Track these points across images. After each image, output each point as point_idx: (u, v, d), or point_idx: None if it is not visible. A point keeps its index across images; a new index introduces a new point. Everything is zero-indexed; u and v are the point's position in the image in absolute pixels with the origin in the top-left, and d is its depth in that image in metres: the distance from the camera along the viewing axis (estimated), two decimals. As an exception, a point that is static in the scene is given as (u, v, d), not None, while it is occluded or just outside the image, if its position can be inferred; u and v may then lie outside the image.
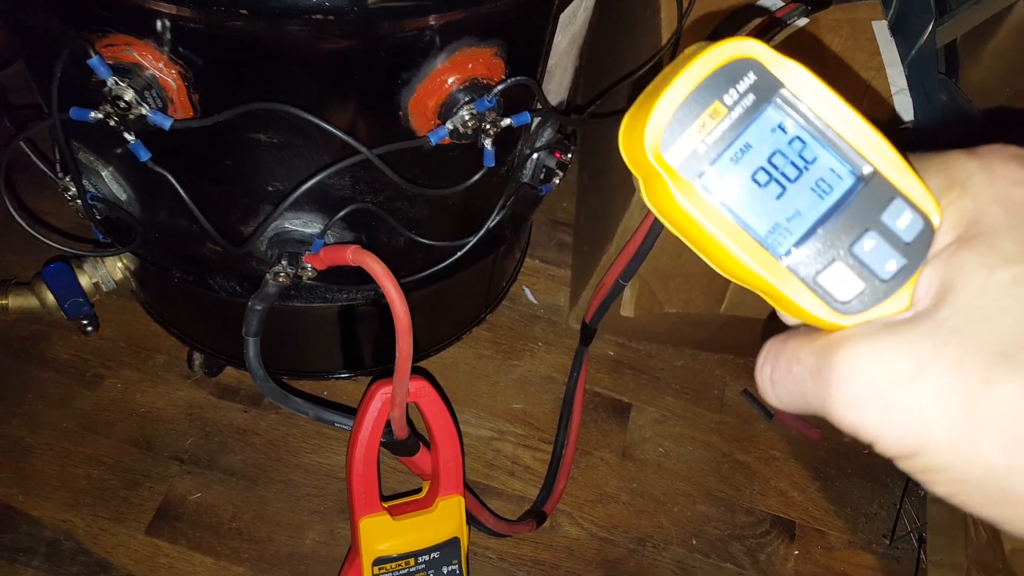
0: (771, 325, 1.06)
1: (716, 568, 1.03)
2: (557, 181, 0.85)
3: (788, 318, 0.32)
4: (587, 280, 1.13)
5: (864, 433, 0.27)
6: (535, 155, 0.81)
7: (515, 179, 0.81)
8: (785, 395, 0.30)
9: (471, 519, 0.90)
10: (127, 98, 0.55)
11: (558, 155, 0.80)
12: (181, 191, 0.64)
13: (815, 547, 1.06)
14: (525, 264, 1.24)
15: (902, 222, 0.28)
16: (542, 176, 0.83)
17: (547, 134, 0.81)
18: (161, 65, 0.56)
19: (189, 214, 0.69)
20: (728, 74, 0.28)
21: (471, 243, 0.75)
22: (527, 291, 1.24)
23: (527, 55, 0.65)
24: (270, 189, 0.66)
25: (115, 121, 0.57)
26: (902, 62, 0.87)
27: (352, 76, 0.58)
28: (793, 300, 0.29)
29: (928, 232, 0.28)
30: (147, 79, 0.56)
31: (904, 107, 0.78)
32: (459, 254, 0.76)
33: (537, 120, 0.78)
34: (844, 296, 0.28)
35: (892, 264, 0.28)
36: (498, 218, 0.76)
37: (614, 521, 1.05)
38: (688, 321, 1.08)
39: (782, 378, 0.30)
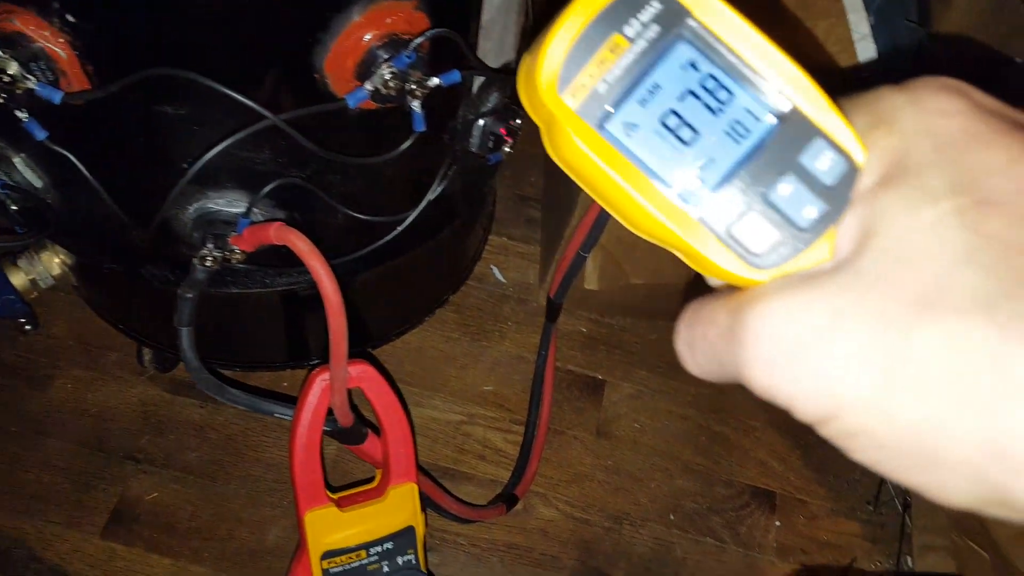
0: (693, 289, 1.02)
1: (695, 543, 1.00)
2: (508, 149, 0.80)
3: (710, 279, 0.29)
4: (555, 255, 1.09)
5: (779, 396, 0.24)
6: (481, 121, 0.76)
7: (461, 148, 0.76)
8: (703, 361, 0.27)
9: (435, 507, 0.87)
10: (11, 71, 0.51)
11: (504, 131, 0.76)
12: (84, 170, 0.60)
13: (797, 517, 1.03)
14: (492, 242, 1.20)
15: (822, 164, 0.25)
16: (491, 144, 0.79)
17: (493, 98, 0.77)
18: (47, 34, 0.52)
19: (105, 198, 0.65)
20: (628, 2, 0.25)
21: (411, 217, 0.71)
22: (495, 270, 1.20)
23: (454, 9, 0.61)
24: (186, 167, 0.62)
25: (2, 97, 0.52)
26: (867, 8, 0.83)
27: (258, 35, 0.54)
28: (707, 256, 0.26)
29: (851, 174, 0.25)
30: (34, 50, 0.52)
31: (867, 54, 0.74)
32: (399, 229, 0.72)
33: (479, 82, 0.74)
34: (759, 248, 0.26)
35: (811, 210, 0.25)
36: (440, 189, 0.72)
37: (589, 500, 1.02)
38: (659, 292, 1.04)
39: (698, 342, 0.27)
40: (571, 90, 0.25)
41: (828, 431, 0.24)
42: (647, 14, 0.25)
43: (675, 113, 0.26)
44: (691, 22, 0.25)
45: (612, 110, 0.26)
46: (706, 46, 0.26)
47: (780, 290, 0.24)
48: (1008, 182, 0.22)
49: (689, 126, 0.26)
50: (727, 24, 0.26)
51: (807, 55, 0.75)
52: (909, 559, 1.00)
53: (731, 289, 0.27)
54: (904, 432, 0.22)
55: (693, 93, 0.26)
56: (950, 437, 0.22)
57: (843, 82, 0.75)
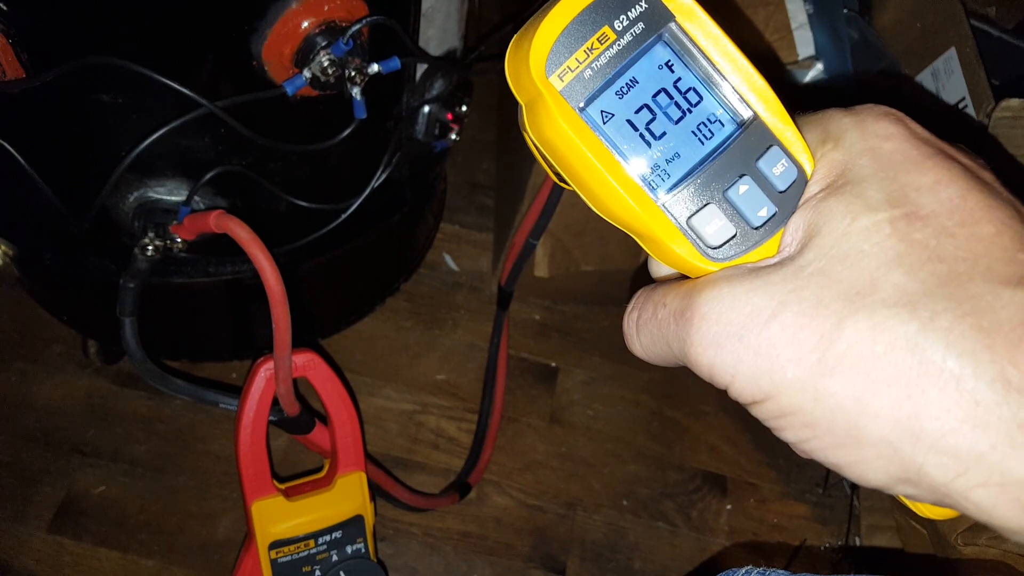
0: (639, 277, 1.03)
1: (648, 528, 1.01)
2: (454, 137, 0.80)
3: (657, 269, 0.32)
4: (506, 243, 1.09)
5: (720, 375, 0.27)
6: (426, 108, 0.76)
7: (406, 135, 0.76)
8: (648, 340, 0.30)
9: (387, 496, 0.87)
10: (-63, 58, 0.50)
11: (450, 115, 0.76)
12: (21, 160, 0.58)
13: (747, 500, 1.05)
14: (444, 230, 1.20)
15: (777, 169, 0.28)
16: (436, 131, 0.79)
17: (438, 85, 0.77)
18: (-24, 21, 0.51)
19: (49, 189, 0.63)
20: None
21: (355, 205, 0.71)
22: (447, 258, 1.20)
23: (393, -4, 0.61)
24: (124, 155, 0.61)
25: (-70, 85, 0.51)
26: (807, -2, 0.85)
27: (195, 22, 0.54)
28: (666, 242, 0.28)
29: (801, 181, 0.28)
30: (-37, 37, 0.51)
31: (804, 42, 0.76)
32: (343, 216, 0.71)
33: (422, 70, 0.74)
34: (715, 241, 0.28)
35: (764, 211, 0.28)
36: (384, 176, 0.72)
37: (543, 487, 1.03)
38: (609, 279, 1.05)
39: (647, 322, 0.29)
40: (559, 73, 0.27)
41: (762, 411, 0.26)
42: (635, 11, 0.27)
43: (648, 108, 0.28)
44: (673, 25, 0.28)
45: (594, 96, 0.28)
46: (683, 50, 0.28)
47: (729, 278, 0.27)
48: (934, 200, 0.25)
49: (660, 121, 0.28)
50: (705, 32, 0.28)
51: (746, 42, 0.76)
52: (858, 539, 1.02)
53: (680, 278, 0.30)
54: (832, 412, 0.24)
55: (666, 92, 0.28)
56: (872, 416, 0.24)
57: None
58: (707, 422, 1.09)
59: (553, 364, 1.13)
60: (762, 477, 1.06)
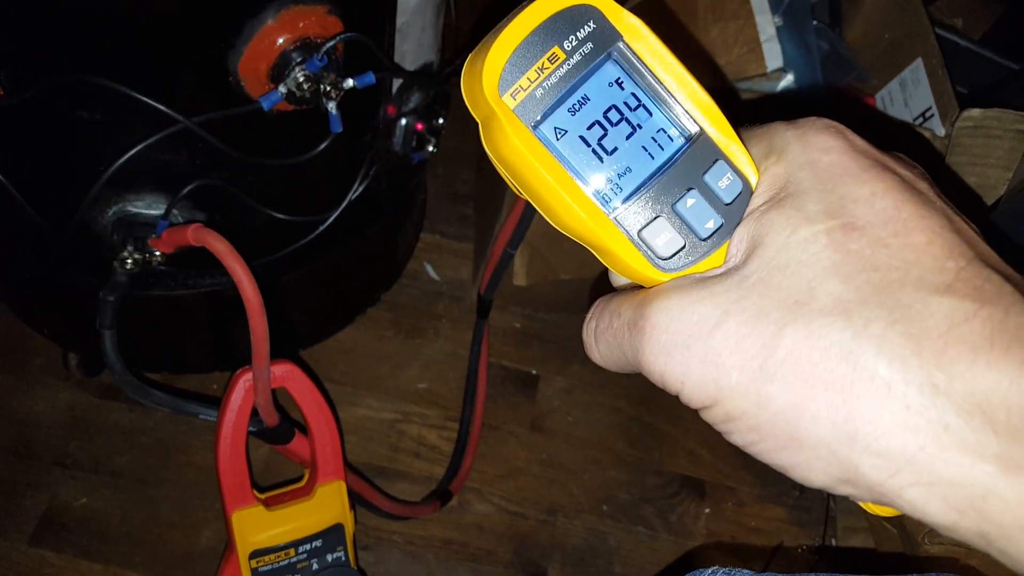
0: (598, 287, 1.04)
1: (628, 532, 1.02)
2: (431, 149, 0.81)
3: (616, 279, 0.33)
4: (486, 252, 1.10)
5: (670, 382, 0.28)
6: (403, 121, 0.77)
7: (384, 147, 0.77)
8: (605, 349, 0.31)
9: (367, 505, 0.87)
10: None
11: (420, 125, 0.77)
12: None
13: (725, 504, 1.06)
14: (425, 239, 1.21)
15: (723, 183, 0.29)
16: (413, 144, 0.80)
17: (415, 98, 0.78)
18: (-46, 39, 0.52)
19: (28, 203, 0.64)
20: (569, 19, 0.28)
21: (332, 217, 0.72)
22: (428, 267, 1.21)
23: (367, 13, 0.62)
24: (102, 170, 0.62)
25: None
26: (774, 11, 0.86)
27: (171, 40, 0.54)
28: (619, 254, 0.29)
29: (746, 194, 0.29)
30: (-59, 55, 0.52)
31: (773, 55, 0.77)
32: (321, 228, 0.72)
33: (399, 83, 0.75)
34: (665, 252, 0.29)
35: (711, 223, 0.29)
36: (361, 188, 0.73)
37: (524, 494, 1.03)
38: (587, 287, 1.06)
39: (604, 332, 0.30)
40: (512, 92, 0.28)
41: (711, 415, 0.27)
42: (584, 32, 0.28)
43: (599, 124, 0.29)
44: (621, 44, 0.29)
45: (546, 114, 0.28)
46: (632, 68, 0.29)
47: (677, 288, 0.28)
48: (870, 212, 0.26)
49: (611, 137, 0.29)
50: (651, 50, 0.29)
51: (717, 56, 0.77)
52: (834, 541, 1.04)
53: (635, 288, 0.31)
54: (773, 416, 0.25)
55: (617, 108, 0.29)
56: (810, 420, 0.25)
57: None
58: (685, 427, 1.11)
59: (533, 372, 1.14)
60: (740, 481, 1.08)
